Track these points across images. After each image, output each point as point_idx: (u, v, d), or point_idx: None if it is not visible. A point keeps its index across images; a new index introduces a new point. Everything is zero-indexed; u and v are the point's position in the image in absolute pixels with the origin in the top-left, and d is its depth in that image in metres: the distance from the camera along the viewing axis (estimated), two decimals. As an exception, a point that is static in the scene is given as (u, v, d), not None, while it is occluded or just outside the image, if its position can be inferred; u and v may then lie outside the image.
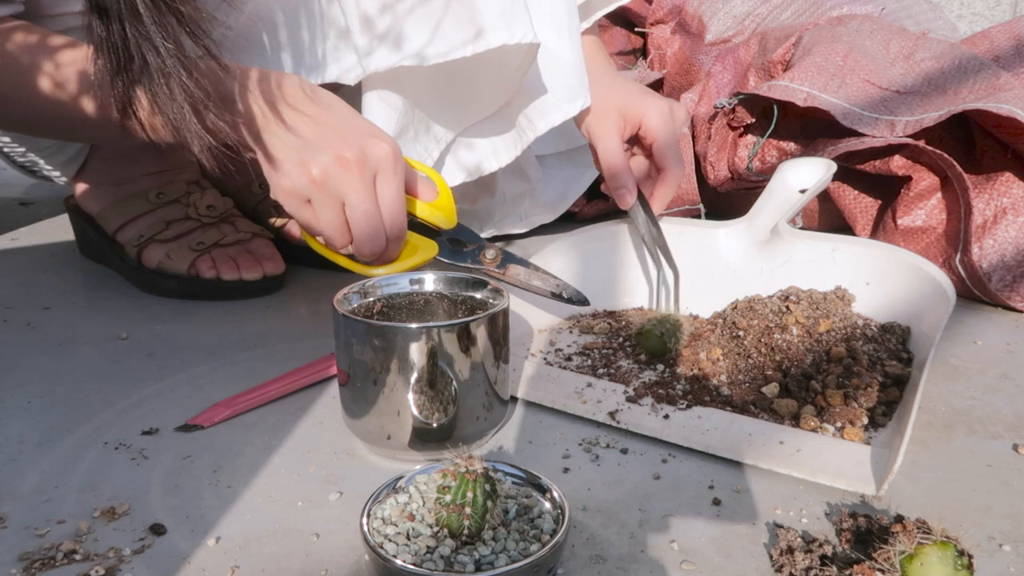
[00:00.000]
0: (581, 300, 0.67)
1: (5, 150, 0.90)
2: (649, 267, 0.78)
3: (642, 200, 0.76)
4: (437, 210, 0.63)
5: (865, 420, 0.55)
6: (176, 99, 0.52)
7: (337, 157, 0.56)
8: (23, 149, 0.89)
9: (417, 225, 0.63)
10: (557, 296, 0.66)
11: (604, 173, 0.76)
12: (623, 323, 0.74)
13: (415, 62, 0.66)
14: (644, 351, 0.67)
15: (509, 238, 1.10)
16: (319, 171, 0.56)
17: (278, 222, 0.98)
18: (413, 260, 0.63)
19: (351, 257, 0.62)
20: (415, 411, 0.50)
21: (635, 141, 0.79)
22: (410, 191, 0.62)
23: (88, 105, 0.62)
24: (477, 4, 0.64)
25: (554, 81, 0.75)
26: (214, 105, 0.54)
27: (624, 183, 0.74)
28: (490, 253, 0.65)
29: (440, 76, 0.72)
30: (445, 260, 0.64)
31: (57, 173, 0.91)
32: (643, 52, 1.43)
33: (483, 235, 0.88)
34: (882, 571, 0.39)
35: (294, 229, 0.97)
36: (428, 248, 0.63)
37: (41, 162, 0.90)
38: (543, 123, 0.76)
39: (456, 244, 0.65)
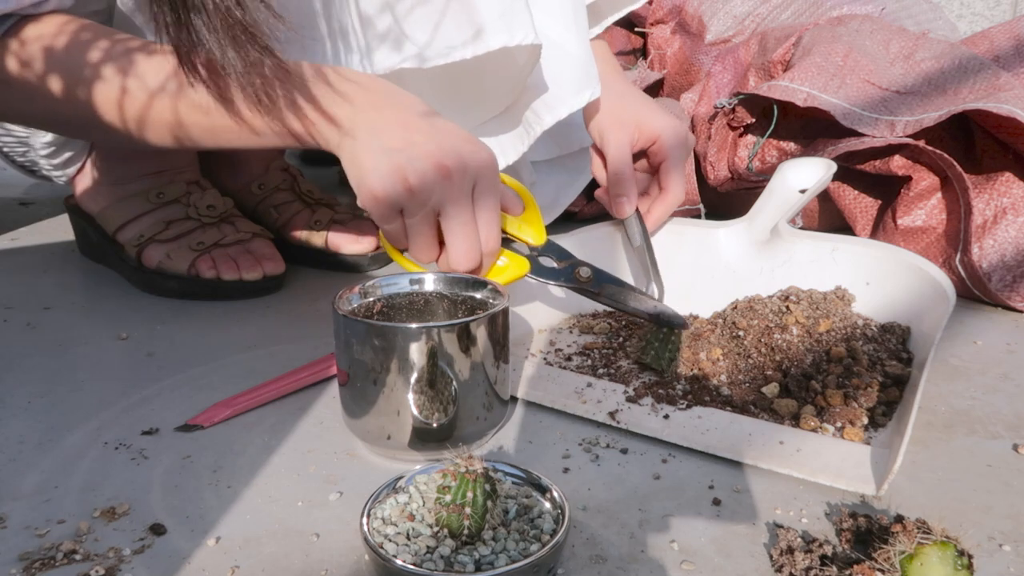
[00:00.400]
0: (681, 324, 0.65)
1: (5, 150, 0.90)
2: (639, 279, 0.78)
3: (636, 214, 0.75)
4: (527, 224, 0.60)
5: (865, 420, 0.55)
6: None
7: (437, 165, 0.52)
8: (23, 149, 0.89)
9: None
10: (655, 318, 0.64)
11: (609, 177, 0.75)
12: (623, 323, 0.74)
13: (415, 63, 0.66)
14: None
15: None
16: (417, 179, 0.52)
17: (301, 235, 0.95)
18: (503, 278, 0.59)
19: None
20: (415, 411, 0.50)
21: (639, 156, 0.78)
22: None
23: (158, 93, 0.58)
24: (476, 5, 0.64)
25: (560, 74, 0.73)
26: (299, 92, 0.53)
27: (626, 191, 0.73)
28: (584, 271, 0.62)
29: (443, 78, 0.72)
30: (537, 279, 0.61)
31: (57, 173, 0.91)
32: (643, 52, 1.43)
33: None
34: (882, 571, 0.39)
35: (315, 239, 0.95)
36: (519, 265, 0.60)
37: (41, 162, 0.89)
38: (550, 116, 0.75)
39: (545, 261, 0.62)
